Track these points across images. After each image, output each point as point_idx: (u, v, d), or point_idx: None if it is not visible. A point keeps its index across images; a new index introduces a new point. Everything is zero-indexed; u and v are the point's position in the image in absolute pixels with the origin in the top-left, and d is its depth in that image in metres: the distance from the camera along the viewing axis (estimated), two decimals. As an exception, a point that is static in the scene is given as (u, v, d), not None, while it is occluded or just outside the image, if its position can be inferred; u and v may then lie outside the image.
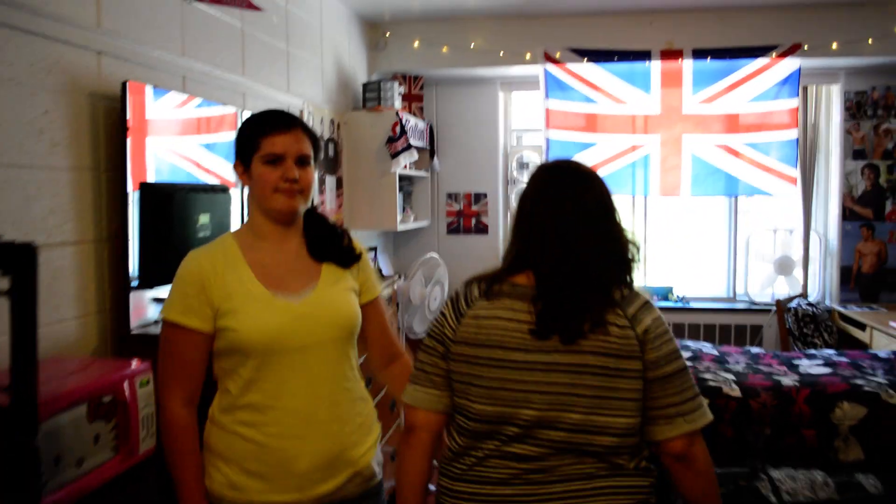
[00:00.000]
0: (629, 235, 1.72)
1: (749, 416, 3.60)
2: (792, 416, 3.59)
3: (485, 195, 6.20)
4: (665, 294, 6.18)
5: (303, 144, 1.87)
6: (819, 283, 6.05)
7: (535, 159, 6.17)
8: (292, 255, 1.93)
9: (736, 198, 6.00)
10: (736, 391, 3.69)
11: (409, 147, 5.11)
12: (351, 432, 1.90)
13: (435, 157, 6.08)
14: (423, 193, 6.14)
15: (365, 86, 5.22)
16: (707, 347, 4.61)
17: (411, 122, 5.43)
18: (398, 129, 5.07)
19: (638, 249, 1.73)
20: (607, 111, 5.59)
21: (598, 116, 5.63)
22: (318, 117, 4.60)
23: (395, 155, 5.07)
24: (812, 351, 4.64)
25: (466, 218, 6.23)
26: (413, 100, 5.85)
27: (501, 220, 6.28)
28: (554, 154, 5.69)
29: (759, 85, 5.41)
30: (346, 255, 2.02)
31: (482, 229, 6.22)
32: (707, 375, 3.89)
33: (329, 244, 2.00)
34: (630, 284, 1.70)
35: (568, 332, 1.58)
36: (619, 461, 1.62)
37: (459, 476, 1.69)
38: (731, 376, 3.88)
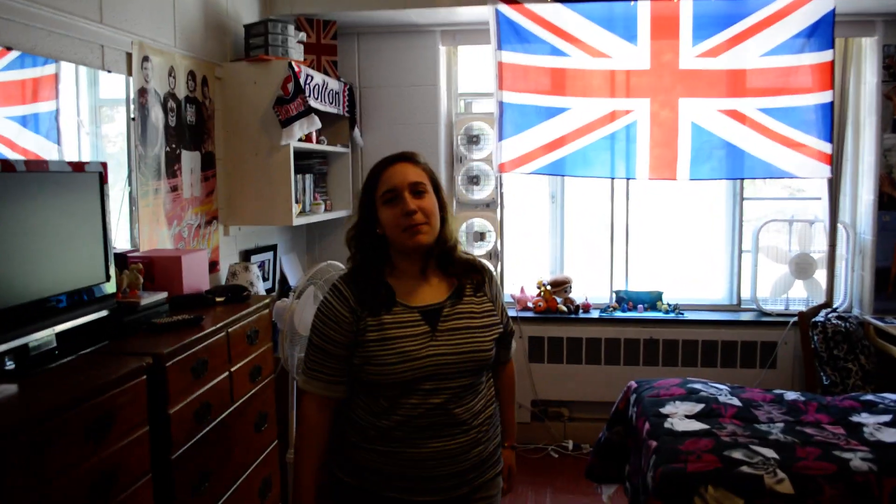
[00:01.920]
0: None
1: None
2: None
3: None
4: (653, 301, 4.86)
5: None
6: (846, 289, 4.76)
7: (488, 131, 4.79)
8: None
9: (741, 180, 4.67)
10: (786, 485, 2.36)
11: (307, 111, 3.68)
12: None
13: (356, 129, 4.66)
14: (342, 175, 4.73)
15: (248, 28, 3.77)
16: (724, 393, 3.28)
17: (316, 78, 4.00)
18: (290, 86, 3.64)
19: None
20: (580, 66, 4.22)
21: (567, 73, 4.25)
22: (161, 66, 3.16)
23: (286, 122, 3.65)
24: (869, 396, 3.33)
25: (399, 207, 4.82)
26: (323, 52, 4.41)
27: (444, 210, 4.88)
28: (510, 122, 4.31)
29: (780, 33, 4.07)
30: None
31: (419, 221, 4.81)
32: (737, 454, 2.56)
33: None
34: None
35: None
36: None
37: None
38: (771, 453, 2.56)
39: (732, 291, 4.95)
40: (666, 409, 3.07)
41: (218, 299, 2.76)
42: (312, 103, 3.92)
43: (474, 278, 1.98)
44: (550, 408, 4.84)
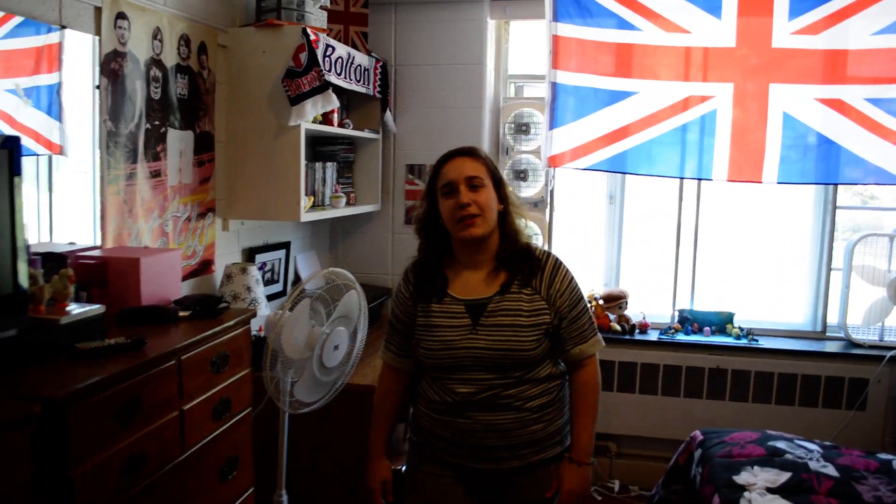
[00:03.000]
0: None
1: None
2: None
3: (461, 170, 4.20)
4: (722, 324, 4.18)
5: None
6: (958, 320, 3.99)
7: (540, 118, 4.16)
8: None
9: (835, 185, 3.95)
10: None
11: (323, 87, 3.12)
12: None
13: (388, 112, 4.09)
14: (371, 165, 4.16)
15: (260, -12, 3.23)
16: (815, 456, 2.62)
17: (339, 50, 3.44)
18: (304, 56, 3.09)
19: None
20: (651, 42, 3.55)
21: (635, 50, 3.59)
22: (144, 26, 2.63)
23: (296, 99, 3.10)
24: None
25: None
26: (352, 21, 3.85)
27: (485, 208, 4.27)
28: (564, 108, 3.67)
29: (894, 7, 3.35)
30: None
31: (456, 220, 4.22)
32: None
33: None
34: None
35: None
36: None
37: None
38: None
39: (817, 316, 4.24)
40: (742, 478, 2.43)
41: (182, 313, 2.23)
42: (334, 80, 3.37)
43: (525, 271, 2.02)
44: (597, 441, 4.20)
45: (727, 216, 4.35)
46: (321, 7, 3.42)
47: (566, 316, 2.03)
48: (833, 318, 4.20)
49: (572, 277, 2.08)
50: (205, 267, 3.11)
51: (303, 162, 3.17)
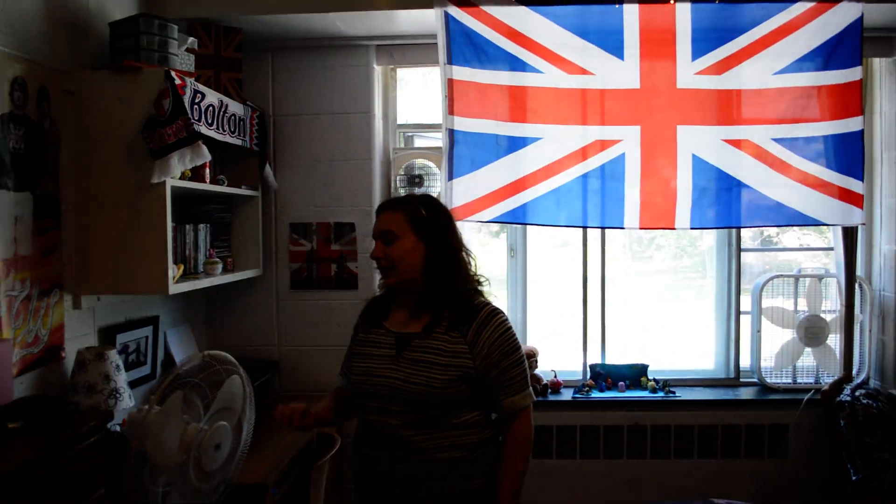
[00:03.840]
0: None
1: None
2: None
3: (352, 227, 3.83)
4: (636, 376, 3.97)
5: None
6: (867, 359, 3.93)
7: (434, 170, 3.88)
8: None
9: (738, 228, 3.84)
10: None
11: (191, 138, 2.70)
12: None
13: (267, 166, 3.69)
14: (251, 225, 3.73)
15: (115, 27, 2.79)
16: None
17: (209, 97, 3.03)
18: (168, 103, 2.66)
19: None
20: (553, 84, 3.35)
21: (536, 94, 3.37)
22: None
23: (159, 152, 2.66)
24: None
25: (323, 263, 3.84)
26: (224, 66, 3.45)
27: (380, 267, 3.91)
28: (463, 157, 3.39)
29: (797, 46, 3.30)
30: None
31: (348, 280, 3.83)
32: None
33: None
34: None
35: None
36: None
37: None
38: None
39: (729, 362, 4.10)
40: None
41: (11, 425, 1.73)
42: (204, 130, 2.97)
43: (458, 318, 2.07)
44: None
45: (627, 263, 4.19)
46: (188, 49, 3.03)
47: (496, 365, 2.05)
48: (745, 362, 4.07)
49: (508, 329, 2.11)
50: (51, 355, 2.57)
51: (169, 224, 2.72)
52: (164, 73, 2.69)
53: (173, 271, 2.78)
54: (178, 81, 2.73)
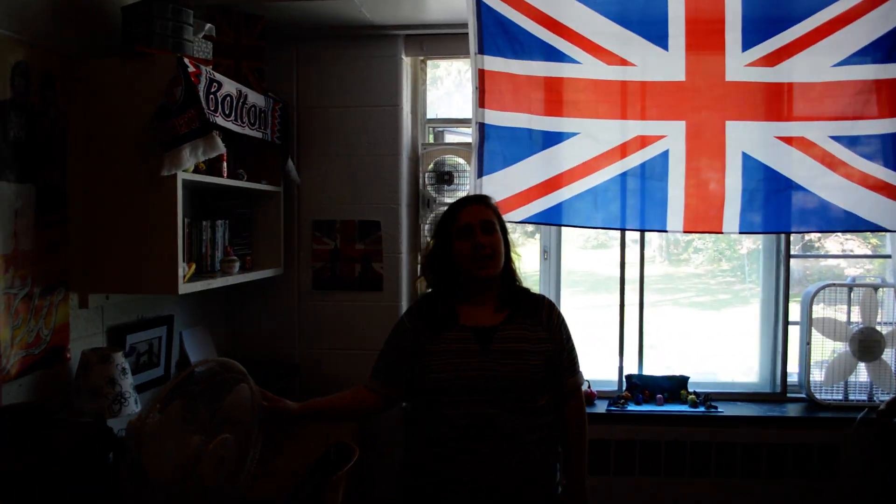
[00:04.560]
0: None
1: None
2: None
3: (377, 225, 3.66)
4: (676, 389, 3.73)
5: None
6: (925, 374, 3.66)
7: (465, 167, 3.69)
8: None
9: (789, 233, 3.59)
10: None
11: (204, 129, 2.54)
12: None
13: (290, 161, 3.53)
14: (272, 222, 3.57)
15: (127, 11, 2.64)
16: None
17: (226, 86, 2.88)
18: (179, 91, 2.51)
19: None
20: (592, 76, 3.13)
21: (574, 85, 3.15)
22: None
23: (170, 143, 2.50)
24: None
25: (346, 263, 3.68)
26: (245, 55, 3.29)
27: (406, 267, 3.73)
28: (494, 152, 3.19)
29: (859, 35, 3.04)
30: None
31: (372, 282, 3.66)
32: None
33: None
34: None
35: None
36: None
37: None
38: None
39: (776, 375, 3.84)
40: None
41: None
42: (220, 121, 2.82)
43: (529, 307, 2.21)
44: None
45: (665, 267, 3.96)
46: (205, 37, 2.86)
47: (563, 346, 2.22)
48: (792, 376, 3.82)
49: (563, 315, 2.29)
50: (55, 356, 2.43)
51: (181, 220, 2.57)
52: (177, 59, 2.54)
53: (184, 270, 2.63)
54: (191, 69, 2.57)
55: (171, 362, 3.18)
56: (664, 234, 3.68)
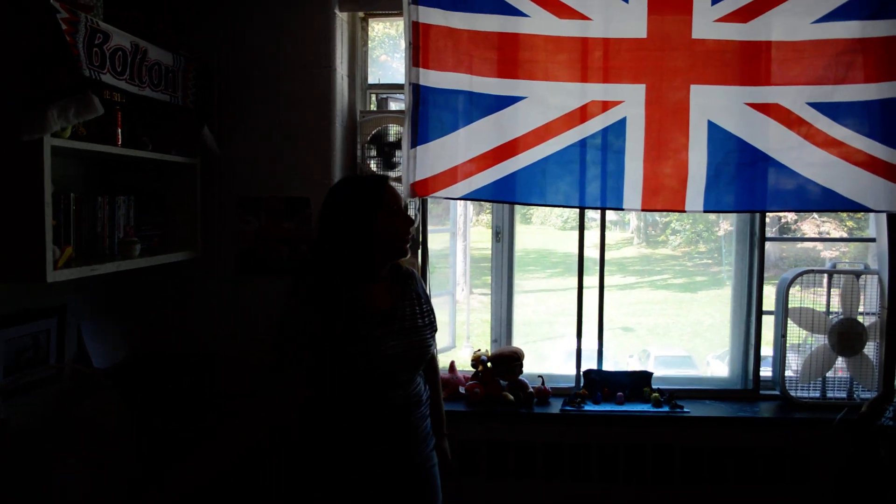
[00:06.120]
0: None
1: None
2: None
3: (306, 202, 3.26)
4: (637, 386, 3.40)
5: None
6: (910, 370, 3.34)
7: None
8: None
9: (762, 212, 3.25)
10: None
11: (78, 87, 2.14)
12: None
13: (206, 128, 3.12)
14: (188, 198, 3.17)
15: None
16: None
17: (116, 38, 2.47)
18: (48, 42, 2.10)
19: None
20: (542, 32, 2.75)
21: (522, 41, 2.77)
22: None
23: (32, 102, 2.09)
24: None
25: (273, 244, 3.28)
26: (150, 7, 2.87)
27: (341, 250, 3.33)
28: (431, 118, 2.81)
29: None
30: None
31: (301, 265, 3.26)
32: None
33: None
34: None
35: None
36: None
37: None
38: None
39: (747, 370, 3.52)
40: None
41: None
42: (109, 79, 2.41)
43: (409, 283, 2.31)
44: (491, 545, 3.31)
45: (646, 250, 3.60)
46: (88, -20, 2.45)
47: (433, 311, 2.35)
48: (765, 371, 3.49)
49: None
50: None
51: (48, 193, 2.16)
52: (45, 3, 2.13)
53: (55, 254, 2.23)
54: (63, 14, 2.16)
55: (66, 359, 2.78)
56: (638, 213, 3.33)
